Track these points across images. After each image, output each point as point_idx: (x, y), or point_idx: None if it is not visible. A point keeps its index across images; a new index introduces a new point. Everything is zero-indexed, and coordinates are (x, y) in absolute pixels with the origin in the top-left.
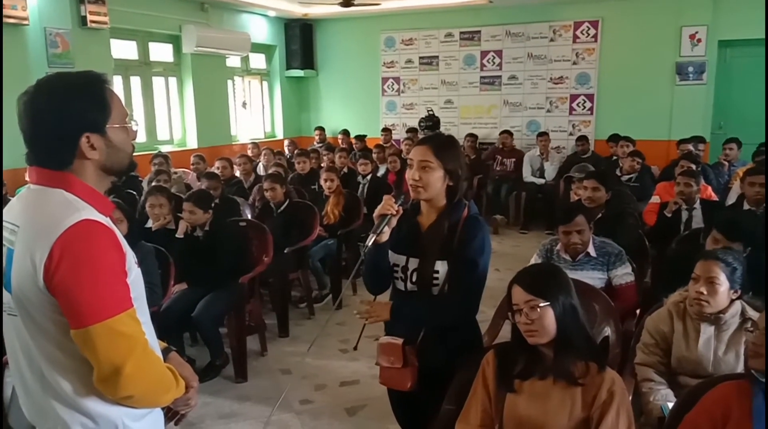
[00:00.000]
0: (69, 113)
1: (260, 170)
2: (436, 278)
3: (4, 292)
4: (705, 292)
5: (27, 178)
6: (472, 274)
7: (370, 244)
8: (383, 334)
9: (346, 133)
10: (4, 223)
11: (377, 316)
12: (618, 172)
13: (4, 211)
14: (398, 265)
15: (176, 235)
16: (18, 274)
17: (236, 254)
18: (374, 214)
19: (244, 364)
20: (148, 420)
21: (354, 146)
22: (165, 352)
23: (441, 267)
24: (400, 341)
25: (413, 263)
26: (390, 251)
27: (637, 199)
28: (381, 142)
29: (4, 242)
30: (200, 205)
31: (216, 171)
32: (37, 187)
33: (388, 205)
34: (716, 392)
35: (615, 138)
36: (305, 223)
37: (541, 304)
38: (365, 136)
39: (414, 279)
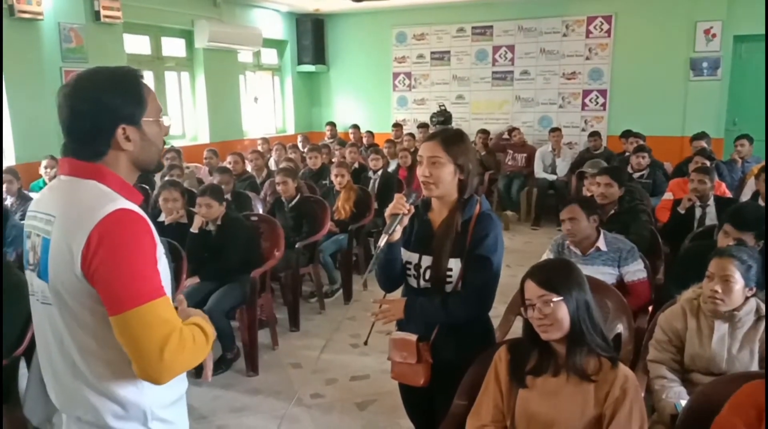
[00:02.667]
0: (107, 104)
1: (272, 165)
2: (450, 276)
3: (39, 282)
4: (719, 290)
5: (41, 172)
6: (486, 272)
7: (382, 244)
8: (395, 329)
9: (356, 128)
10: (36, 214)
11: (391, 316)
12: (629, 169)
13: (34, 201)
14: (411, 262)
15: (191, 230)
16: (55, 263)
17: (248, 249)
18: (386, 214)
19: (256, 358)
20: (175, 407)
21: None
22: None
23: (454, 264)
24: (414, 337)
25: (426, 261)
26: (402, 249)
27: (649, 196)
28: (392, 138)
29: (38, 232)
30: (216, 198)
31: (228, 166)
32: (69, 178)
33: (400, 203)
34: (745, 393)
35: (627, 134)
36: (316, 218)
37: (554, 299)
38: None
39: (427, 277)
